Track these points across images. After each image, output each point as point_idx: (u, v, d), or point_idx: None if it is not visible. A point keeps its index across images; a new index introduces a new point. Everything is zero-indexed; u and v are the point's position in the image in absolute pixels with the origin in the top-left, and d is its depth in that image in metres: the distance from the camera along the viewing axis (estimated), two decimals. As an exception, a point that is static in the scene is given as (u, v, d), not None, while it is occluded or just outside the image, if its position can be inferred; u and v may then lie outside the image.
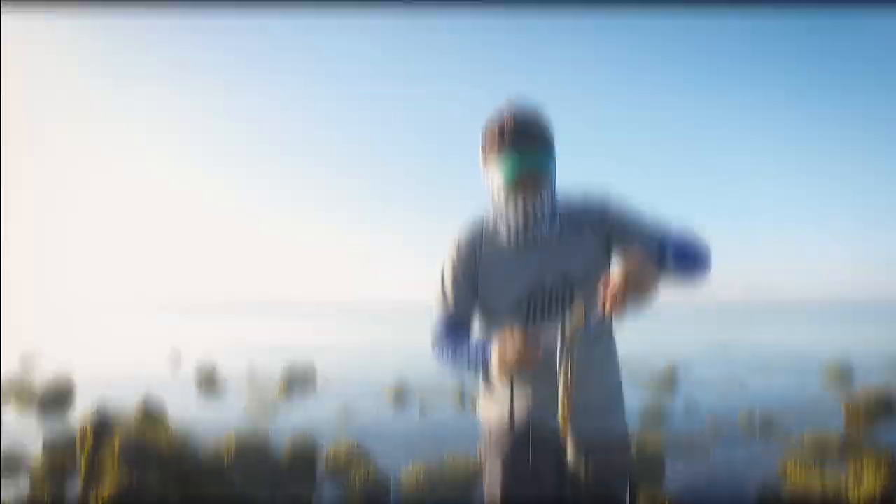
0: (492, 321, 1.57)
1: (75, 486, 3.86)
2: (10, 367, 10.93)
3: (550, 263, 1.48)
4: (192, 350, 15.27)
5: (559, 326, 1.41)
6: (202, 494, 3.70)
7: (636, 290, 1.25)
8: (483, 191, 1.55)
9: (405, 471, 4.12)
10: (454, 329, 1.57)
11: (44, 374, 9.55)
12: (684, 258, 1.35)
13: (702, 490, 3.97)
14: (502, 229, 1.51)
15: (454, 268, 1.57)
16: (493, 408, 1.55)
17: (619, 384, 1.55)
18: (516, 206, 1.43)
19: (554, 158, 1.46)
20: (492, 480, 1.48)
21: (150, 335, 23.61)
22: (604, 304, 1.28)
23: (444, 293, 1.58)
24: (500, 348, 1.34)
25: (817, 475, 3.83)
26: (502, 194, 1.44)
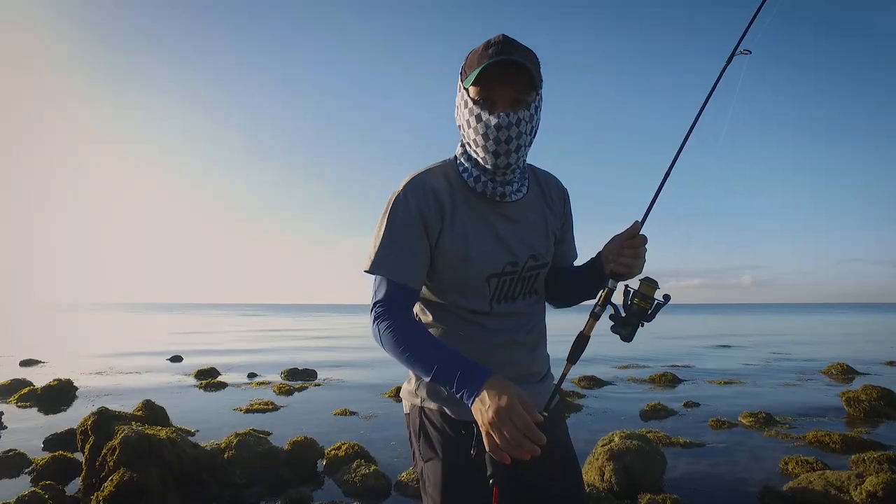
0: (448, 296, 1.31)
1: (76, 486, 3.86)
2: (11, 367, 10.94)
3: (522, 236, 1.33)
4: (192, 348, 15.27)
5: (520, 313, 1.35)
6: (203, 494, 3.69)
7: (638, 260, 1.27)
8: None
9: (405, 470, 4.12)
10: (399, 308, 1.24)
11: (44, 373, 9.59)
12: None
13: (703, 489, 3.96)
14: (470, 172, 1.28)
15: (409, 223, 1.24)
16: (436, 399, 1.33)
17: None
18: (489, 123, 1.18)
19: (540, 92, 1.24)
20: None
21: (150, 333, 23.60)
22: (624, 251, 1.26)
23: (390, 255, 1.24)
24: (500, 416, 1.00)
25: (819, 473, 3.82)
26: (474, 112, 1.20)
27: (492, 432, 1.01)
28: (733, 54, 1.33)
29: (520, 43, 1.21)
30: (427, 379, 1.15)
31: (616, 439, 4.08)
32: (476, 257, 1.27)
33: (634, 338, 1.27)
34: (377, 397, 7.82)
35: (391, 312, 1.22)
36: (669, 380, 9.31)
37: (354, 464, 4.12)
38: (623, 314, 1.26)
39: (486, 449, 1.04)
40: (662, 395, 7.93)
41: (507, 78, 1.18)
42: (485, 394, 1.04)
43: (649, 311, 1.25)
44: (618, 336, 1.26)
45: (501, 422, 0.99)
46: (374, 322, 1.24)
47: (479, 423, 1.04)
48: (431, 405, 1.33)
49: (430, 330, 1.34)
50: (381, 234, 1.26)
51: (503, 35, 1.21)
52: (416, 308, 1.38)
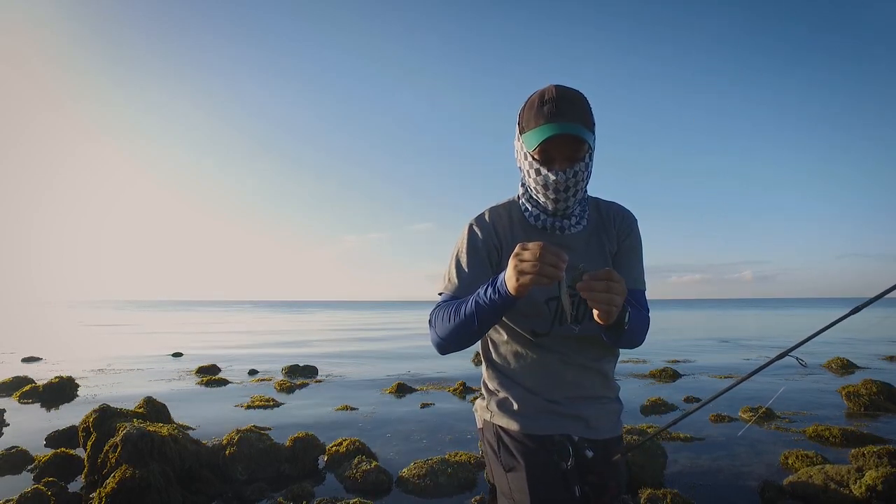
0: (513, 318, 1.41)
1: (78, 483, 3.87)
2: (13, 365, 10.96)
3: (582, 263, 1.40)
4: (193, 345, 15.29)
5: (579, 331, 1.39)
6: (205, 490, 3.70)
7: (614, 298, 1.13)
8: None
9: (406, 466, 4.13)
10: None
11: (46, 370, 9.61)
12: (632, 332, 1.34)
13: (704, 483, 3.97)
14: (531, 212, 1.39)
15: (474, 250, 1.40)
16: (503, 411, 1.43)
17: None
18: (548, 178, 1.29)
19: (592, 140, 1.31)
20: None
21: (151, 331, 23.62)
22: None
23: (456, 275, 1.39)
24: (518, 255, 1.09)
25: (819, 467, 3.83)
26: (534, 166, 1.31)
27: (517, 267, 1.08)
28: (785, 354, 1.39)
29: (572, 92, 1.29)
30: (475, 315, 1.22)
31: (616, 434, 4.08)
32: None
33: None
34: (378, 393, 7.83)
35: (442, 304, 1.35)
36: (670, 375, 9.33)
37: (355, 460, 4.14)
38: None
39: (515, 285, 1.10)
40: (663, 390, 7.94)
41: (562, 141, 1.26)
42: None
43: None
44: None
45: (518, 255, 1.09)
46: (430, 324, 1.36)
47: (510, 283, 1.11)
48: (502, 421, 1.42)
49: (501, 349, 1.46)
50: (452, 260, 1.42)
51: (555, 89, 1.28)
52: (491, 330, 1.48)
